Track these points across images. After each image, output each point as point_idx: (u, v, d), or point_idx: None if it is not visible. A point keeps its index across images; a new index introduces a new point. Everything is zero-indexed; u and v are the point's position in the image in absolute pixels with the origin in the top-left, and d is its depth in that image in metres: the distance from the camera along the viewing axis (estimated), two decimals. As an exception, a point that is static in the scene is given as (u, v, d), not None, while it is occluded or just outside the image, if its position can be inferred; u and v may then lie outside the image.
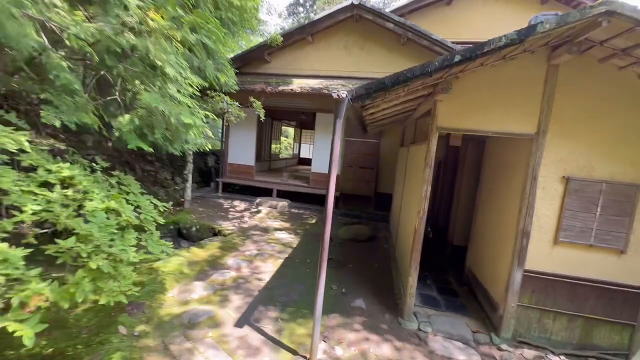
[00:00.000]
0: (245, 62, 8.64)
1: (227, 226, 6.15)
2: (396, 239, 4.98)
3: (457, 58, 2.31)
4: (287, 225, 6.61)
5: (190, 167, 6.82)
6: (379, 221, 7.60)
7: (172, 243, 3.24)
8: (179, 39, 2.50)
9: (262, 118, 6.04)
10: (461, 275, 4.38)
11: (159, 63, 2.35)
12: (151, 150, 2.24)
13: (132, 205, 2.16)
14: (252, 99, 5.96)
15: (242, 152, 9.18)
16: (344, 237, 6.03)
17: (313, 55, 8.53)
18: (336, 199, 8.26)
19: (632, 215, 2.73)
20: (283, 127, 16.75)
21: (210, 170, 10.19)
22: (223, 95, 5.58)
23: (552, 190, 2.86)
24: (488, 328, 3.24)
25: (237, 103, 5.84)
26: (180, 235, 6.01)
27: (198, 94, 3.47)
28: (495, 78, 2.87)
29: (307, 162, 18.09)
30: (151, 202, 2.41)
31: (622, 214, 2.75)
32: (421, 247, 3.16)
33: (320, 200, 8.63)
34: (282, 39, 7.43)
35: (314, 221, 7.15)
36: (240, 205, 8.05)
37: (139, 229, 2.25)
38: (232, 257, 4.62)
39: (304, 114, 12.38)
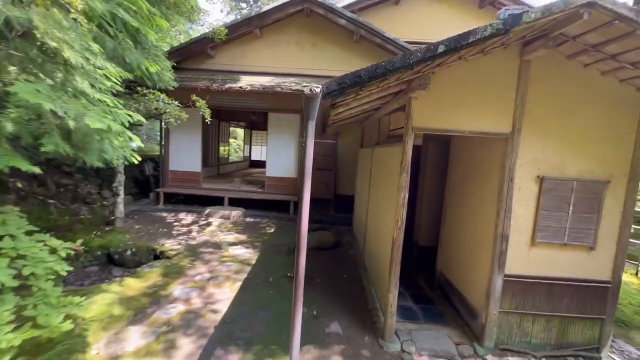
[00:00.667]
0: (186, 57, 7.68)
1: (171, 245, 5.29)
2: (364, 246, 4.70)
3: (441, 48, 2.02)
4: (242, 237, 5.95)
5: (120, 178, 5.75)
6: (341, 224, 7.31)
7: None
8: (79, 8, 1.80)
9: (208, 119, 5.31)
10: (432, 279, 4.26)
11: (53, 44, 1.64)
12: (34, 169, 1.54)
13: (7, 257, 1.44)
14: (194, 97, 5.18)
15: (186, 157, 8.18)
16: (307, 245, 5.58)
17: (262, 51, 7.91)
18: (294, 204, 7.79)
19: (599, 212, 2.76)
20: (232, 128, 15.70)
21: (148, 179, 8.94)
22: (158, 93, 4.73)
23: (527, 190, 2.77)
24: (469, 337, 3.08)
25: (176, 102, 5.02)
26: (112, 262, 4.99)
27: (122, 89, 2.73)
28: (469, 75, 2.68)
29: (260, 164, 17.27)
30: (46, 245, 1.69)
31: (591, 211, 2.77)
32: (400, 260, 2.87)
33: (278, 206, 8.08)
34: (226, 31, 6.69)
35: (272, 230, 6.59)
36: (186, 217, 7.11)
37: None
38: (179, 285, 3.88)
39: (254, 113, 11.65)
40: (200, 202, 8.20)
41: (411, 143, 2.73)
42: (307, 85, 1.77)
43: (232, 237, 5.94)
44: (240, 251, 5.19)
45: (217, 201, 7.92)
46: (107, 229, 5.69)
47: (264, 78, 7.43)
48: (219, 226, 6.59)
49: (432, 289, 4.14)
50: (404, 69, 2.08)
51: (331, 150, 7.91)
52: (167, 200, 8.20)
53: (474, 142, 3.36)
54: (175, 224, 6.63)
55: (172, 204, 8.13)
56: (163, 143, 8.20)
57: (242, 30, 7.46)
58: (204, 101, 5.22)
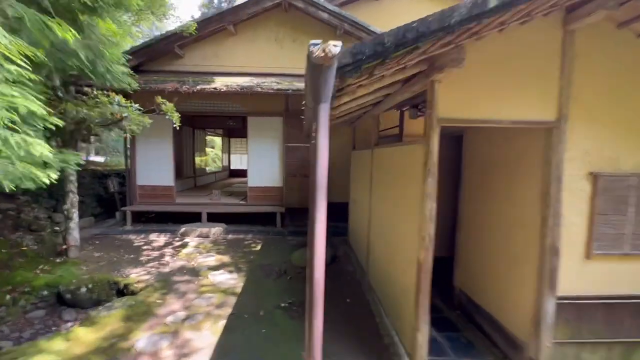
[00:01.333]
0: (150, 57, 6.84)
1: (138, 275, 4.43)
2: (367, 262, 4.07)
3: (493, 2, 1.45)
4: (225, 259, 5.16)
5: (72, 198, 4.83)
6: (334, 235, 6.67)
7: None
8: None
9: (177, 124, 4.54)
10: (448, 296, 3.68)
11: None
12: None
13: None
14: (160, 99, 4.41)
15: (156, 170, 7.28)
16: (300, 264, 4.89)
17: (238, 49, 7.21)
18: (281, 216, 7.07)
19: (664, 212, 2.28)
20: (209, 137, 14.76)
21: (113, 196, 7.92)
22: (113, 94, 3.93)
23: (578, 191, 2.25)
24: (513, 374, 2.51)
25: (136, 106, 4.23)
26: (63, 303, 4.07)
27: (35, 76, 1.97)
28: (504, 50, 2.14)
29: (240, 173, 16.39)
30: None
31: (655, 212, 2.28)
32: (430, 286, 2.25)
33: (263, 219, 7.33)
34: (195, 25, 5.95)
35: (259, 247, 5.84)
36: (158, 239, 6.22)
37: None
38: (146, 332, 3.07)
39: (232, 119, 10.86)
40: (174, 220, 7.31)
41: (437, 139, 2.15)
42: (317, 44, 1.12)
43: (212, 259, 5.13)
44: (223, 277, 4.41)
45: (194, 217, 7.06)
46: (58, 260, 4.74)
47: (241, 79, 6.73)
48: (196, 247, 5.76)
49: (450, 309, 3.57)
50: (442, 32, 1.49)
51: (319, 155, 7.28)
52: (136, 219, 7.25)
53: (499, 135, 2.83)
54: (145, 247, 5.74)
55: (141, 224, 7.18)
56: (129, 155, 7.26)
57: (214, 27, 6.73)
58: (172, 104, 4.45)
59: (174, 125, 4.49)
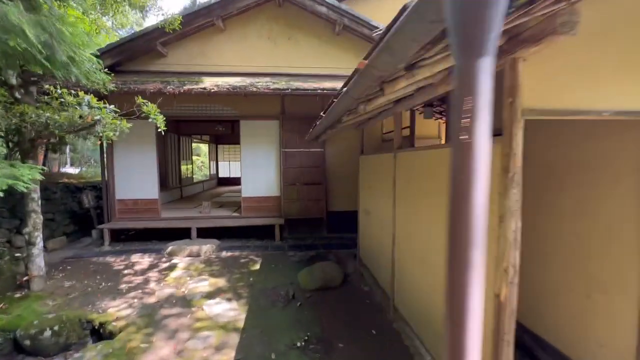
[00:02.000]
0: (129, 56, 6.13)
1: (118, 309, 3.69)
2: (393, 285, 3.48)
3: None
4: (221, 283, 4.47)
5: (35, 220, 4.04)
6: (338, 248, 6.08)
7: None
8: None
9: (162, 128, 3.86)
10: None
11: None
12: None
13: None
14: (140, 99, 3.73)
15: (138, 181, 6.51)
16: (309, 286, 4.26)
17: (227, 47, 6.59)
18: (280, 228, 6.43)
19: None
20: (194, 145, 13.94)
21: (89, 212, 7.06)
22: (82, 93, 3.23)
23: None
24: None
25: (111, 107, 3.52)
26: (21, 350, 3.29)
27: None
28: (606, 21, 1.63)
29: (230, 181, 15.61)
30: None
31: None
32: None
33: (260, 232, 6.67)
34: (180, 19, 5.30)
35: (258, 266, 5.17)
36: (142, 260, 5.45)
37: None
38: (127, 395, 2.38)
39: (220, 123, 10.17)
40: (160, 237, 6.54)
41: (521, 137, 1.61)
42: None
43: (206, 284, 4.43)
44: (221, 308, 3.73)
45: (182, 233, 6.32)
46: (17, 295, 3.93)
47: (232, 79, 6.11)
48: (186, 269, 5.03)
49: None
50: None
51: (318, 161, 6.71)
52: (115, 238, 6.43)
53: (575, 132, 2.33)
54: (126, 271, 4.97)
55: (122, 243, 6.37)
56: (106, 165, 6.47)
57: (201, 22, 6.10)
58: (154, 105, 3.78)
59: (159, 130, 3.82)
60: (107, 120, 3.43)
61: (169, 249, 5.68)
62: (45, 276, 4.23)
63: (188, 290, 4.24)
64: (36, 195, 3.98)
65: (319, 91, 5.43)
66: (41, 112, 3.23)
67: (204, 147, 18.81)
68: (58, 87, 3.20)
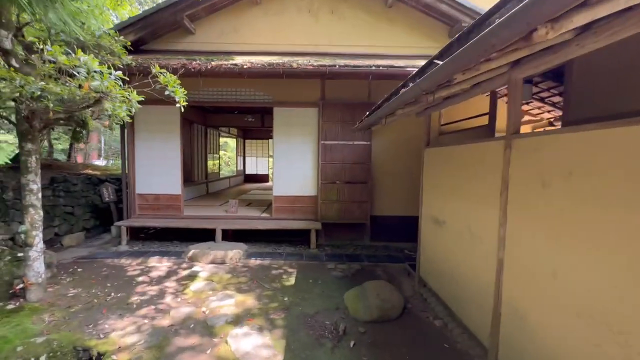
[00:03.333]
0: (153, 32, 5.44)
1: (123, 334, 2.91)
2: (498, 333, 2.42)
3: None
4: (249, 303, 3.60)
5: (33, 217, 3.34)
6: (385, 260, 5.05)
7: None
8: None
9: (182, 104, 3.01)
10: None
11: None
12: None
13: None
14: (158, 68, 2.91)
15: (159, 175, 5.84)
16: (362, 316, 3.27)
17: (262, 23, 5.74)
18: (317, 234, 5.49)
19: None
20: (221, 140, 13.39)
21: (108, 207, 6.51)
22: (80, 52, 2.44)
23: None
24: None
25: (117, 74, 2.70)
26: (0, 385, 2.57)
27: None
28: None
29: (256, 178, 14.98)
30: None
31: None
32: None
33: (292, 235, 5.79)
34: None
35: (293, 280, 4.27)
36: (159, 265, 4.73)
37: None
38: None
39: (250, 113, 9.42)
40: (181, 236, 5.84)
41: None
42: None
43: (231, 302, 3.58)
44: (250, 343, 2.83)
45: (205, 234, 5.57)
46: (10, 307, 3.26)
47: (266, 58, 5.24)
48: (209, 279, 4.22)
49: None
50: None
51: (364, 155, 5.69)
52: (134, 236, 5.80)
53: None
54: (141, 279, 4.24)
55: (141, 242, 5.73)
56: (127, 156, 5.85)
57: (233, -8, 5.28)
58: (175, 77, 2.95)
59: (178, 105, 2.99)
60: (114, 92, 2.63)
61: (191, 252, 4.92)
62: (45, 283, 3.55)
63: (209, 310, 3.40)
64: (35, 186, 3.29)
65: (373, 68, 4.41)
66: (31, 79, 2.48)
67: (231, 142, 18.38)
68: (49, 41, 2.44)
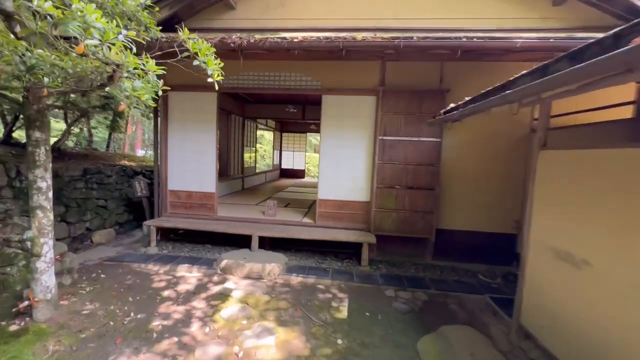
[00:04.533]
0: (190, 7, 4.76)
1: (134, 384, 2.22)
2: None
3: None
4: (294, 344, 2.78)
5: (41, 220, 2.74)
6: (456, 288, 3.98)
7: None
8: None
9: (216, 79, 2.20)
10: None
11: None
12: None
13: None
14: (185, 33, 2.14)
15: (193, 170, 5.24)
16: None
17: (313, -6, 4.83)
18: (369, 248, 4.55)
19: None
20: (258, 132, 12.85)
21: (140, 202, 6.08)
22: (81, 3, 1.70)
23: None
24: None
25: (123, 33, 1.94)
26: None
27: None
28: None
29: (292, 173, 14.33)
30: None
31: None
32: None
33: (338, 247, 4.92)
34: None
35: (345, 311, 3.38)
36: (188, 275, 4.09)
37: None
38: None
39: (291, 102, 8.63)
40: (214, 239, 5.21)
41: None
42: None
43: (270, 342, 2.78)
44: (299, 421, 2.00)
45: (239, 239, 4.88)
46: (13, 327, 2.73)
47: (317, 35, 4.33)
48: (243, 301, 3.47)
49: None
50: None
51: (432, 156, 4.62)
52: (165, 235, 5.28)
53: None
54: (166, 293, 3.61)
55: (171, 243, 5.18)
56: (160, 148, 5.31)
57: (281, -45, 4.42)
58: (207, 44, 2.15)
59: (210, 79, 2.20)
60: (127, 62, 1.88)
61: (224, 263, 4.23)
62: (57, 298, 3.00)
63: (244, 352, 2.63)
64: (44, 184, 2.70)
65: (464, 39, 3.32)
66: (27, 48, 1.79)
67: (267, 135, 17.91)
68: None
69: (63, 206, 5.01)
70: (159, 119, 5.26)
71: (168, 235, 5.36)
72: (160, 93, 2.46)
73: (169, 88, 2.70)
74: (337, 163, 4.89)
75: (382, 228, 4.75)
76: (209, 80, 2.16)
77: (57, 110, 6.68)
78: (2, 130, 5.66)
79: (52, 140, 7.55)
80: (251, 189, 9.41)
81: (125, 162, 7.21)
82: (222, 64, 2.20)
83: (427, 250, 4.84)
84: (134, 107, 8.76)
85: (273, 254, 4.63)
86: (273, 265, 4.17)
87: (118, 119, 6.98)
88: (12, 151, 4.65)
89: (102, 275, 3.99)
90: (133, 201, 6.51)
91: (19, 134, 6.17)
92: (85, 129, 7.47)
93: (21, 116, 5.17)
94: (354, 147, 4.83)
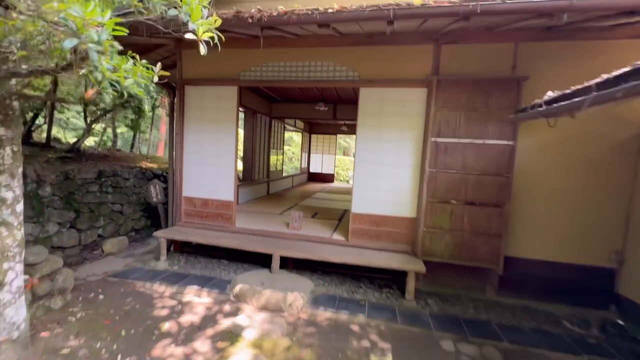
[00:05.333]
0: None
1: None
2: None
3: None
4: None
5: (4, 242, 2.18)
6: (537, 341, 2.95)
7: None
8: None
9: (205, 36, 1.49)
10: None
11: None
12: None
13: None
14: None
15: (209, 175, 4.63)
16: None
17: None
18: (416, 278, 3.63)
19: None
20: (286, 135, 12.25)
21: (156, 209, 5.61)
22: None
23: None
24: None
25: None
26: None
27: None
28: None
29: (320, 177, 13.58)
30: None
31: None
32: None
33: (375, 273, 4.04)
34: None
35: (388, 372, 2.50)
36: (196, 301, 3.43)
37: None
38: None
39: (323, 99, 7.87)
40: (231, 254, 4.54)
41: None
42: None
43: (288, 423, 1.99)
44: None
45: (258, 257, 4.17)
46: (-32, 375, 2.18)
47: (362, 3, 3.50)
48: (257, 346, 2.71)
49: None
50: None
51: (502, 163, 3.60)
52: (178, 248, 4.71)
53: None
54: (167, 326, 2.96)
55: (184, 256, 4.60)
56: (175, 150, 4.77)
57: None
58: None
59: (188, 35, 1.50)
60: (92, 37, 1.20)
61: (238, 288, 3.52)
62: (29, 335, 2.43)
63: None
64: (10, 194, 2.12)
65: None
66: None
67: (296, 137, 17.37)
68: None
69: (73, 211, 4.61)
70: (174, 118, 4.73)
71: (182, 247, 4.79)
72: (156, 79, 1.78)
73: (168, 73, 2.03)
74: (376, 171, 4.03)
75: (432, 252, 3.80)
76: (187, 35, 1.43)
77: (64, 103, 6.40)
78: None
79: (72, 139, 7.40)
80: (277, 194, 8.77)
81: (146, 164, 6.85)
82: (218, 22, 1.46)
83: (490, 282, 3.82)
84: (157, 107, 8.47)
85: (296, 277, 3.87)
86: (296, 295, 3.39)
87: (138, 118, 6.65)
88: None
89: (101, 296, 3.44)
90: (151, 206, 6.08)
91: None
92: (109, 128, 7.23)
93: None
94: (397, 151, 3.94)
